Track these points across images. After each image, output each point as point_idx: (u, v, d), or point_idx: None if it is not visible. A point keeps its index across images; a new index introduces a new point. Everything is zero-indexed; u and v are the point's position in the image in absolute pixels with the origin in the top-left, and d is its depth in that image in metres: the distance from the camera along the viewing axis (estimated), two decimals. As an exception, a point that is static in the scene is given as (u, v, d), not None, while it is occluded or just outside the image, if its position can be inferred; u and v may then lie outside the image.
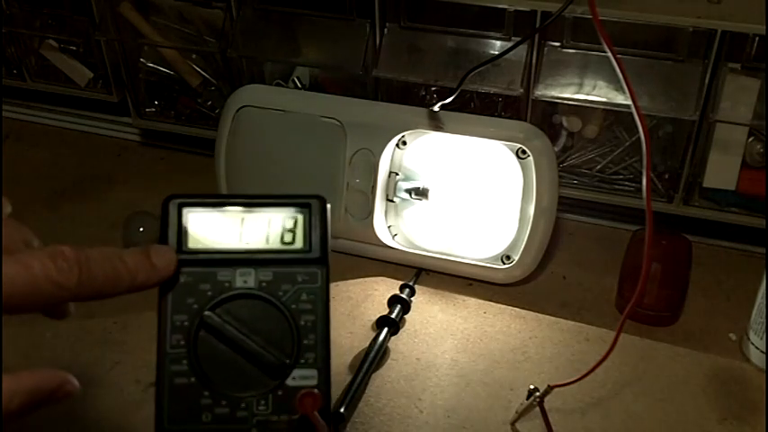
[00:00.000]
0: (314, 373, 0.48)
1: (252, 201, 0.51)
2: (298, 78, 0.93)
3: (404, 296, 0.79)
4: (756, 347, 0.73)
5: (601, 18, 0.67)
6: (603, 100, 0.78)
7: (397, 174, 0.83)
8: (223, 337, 0.48)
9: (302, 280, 0.49)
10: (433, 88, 0.88)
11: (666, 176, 0.85)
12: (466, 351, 0.76)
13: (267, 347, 0.48)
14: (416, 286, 0.82)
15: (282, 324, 0.49)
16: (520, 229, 0.80)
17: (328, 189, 0.83)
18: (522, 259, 0.81)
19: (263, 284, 0.49)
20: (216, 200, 0.50)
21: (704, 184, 0.82)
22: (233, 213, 0.50)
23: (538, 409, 0.67)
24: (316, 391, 0.47)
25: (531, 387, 0.67)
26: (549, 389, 0.66)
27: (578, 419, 0.69)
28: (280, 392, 0.48)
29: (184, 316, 0.48)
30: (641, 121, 0.65)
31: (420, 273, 0.85)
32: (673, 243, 0.83)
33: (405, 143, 0.82)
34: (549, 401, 0.66)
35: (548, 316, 0.79)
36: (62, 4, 0.98)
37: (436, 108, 0.78)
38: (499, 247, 0.82)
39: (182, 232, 0.49)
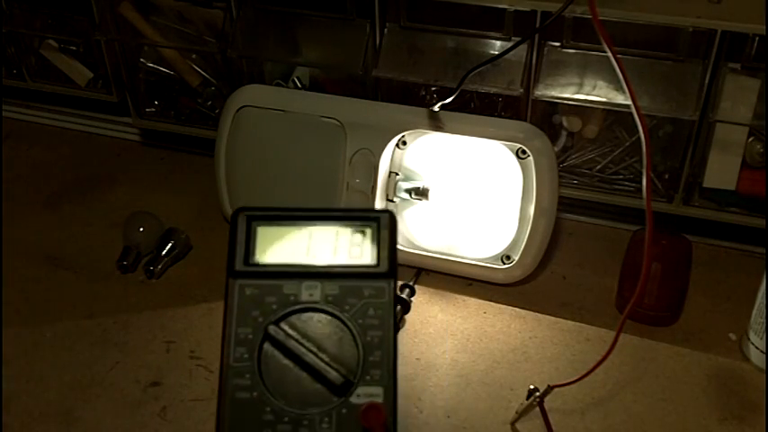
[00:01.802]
0: (379, 390, 0.47)
1: (320, 215, 0.50)
2: (298, 78, 0.93)
3: (404, 296, 0.79)
4: (756, 347, 0.73)
5: (601, 18, 0.67)
6: (603, 100, 0.78)
7: (397, 174, 0.83)
8: (287, 351, 0.47)
9: (369, 294, 0.49)
10: (433, 88, 0.88)
11: (666, 176, 0.85)
12: (466, 351, 0.76)
13: (332, 363, 0.47)
14: (416, 286, 0.82)
15: (348, 339, 0.48)
16: (520, 229, 0.80)
17: (328, 189, 0.83)
18: (522, 259, 0.81)
19: (329, 298, 0.48)
20: (284, 213, 0.50)
21: (704, 184, 0.82)
22: (301, 227, 0.50)
23: (538, 409, 0.67)
24: (380, 401, 0.46)
25: (531, 387, 0.67)
26: (549, 389, 0.66)
27: (578, 419, 0.69)
28: (344, 410, 0.47)
29: (249, 329, 0.48)
30: (641, 121, 0.65)
31: (420, 273, 0.85)
32: (673, 243, 0.83)
33: (405, 143, 0.82)
34: (549, 401, 0.66)
35: (548, 316, 0.79)
36: (62, 4, 0.98)
37: (436, 108, 0.78)
38: (499, 247, 0.82)
39: (249, 245, 0.49)
